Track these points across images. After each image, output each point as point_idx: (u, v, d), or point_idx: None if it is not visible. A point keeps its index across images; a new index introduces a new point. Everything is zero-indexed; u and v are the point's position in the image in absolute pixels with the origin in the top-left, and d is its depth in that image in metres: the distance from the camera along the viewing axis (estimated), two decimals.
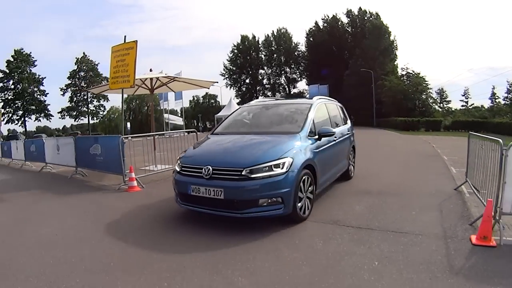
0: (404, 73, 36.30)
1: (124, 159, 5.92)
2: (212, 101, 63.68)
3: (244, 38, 53.35)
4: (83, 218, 4.20)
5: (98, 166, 6.69)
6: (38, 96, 41.63)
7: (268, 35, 52.89)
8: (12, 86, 40.28)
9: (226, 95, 62.75)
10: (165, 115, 28.91)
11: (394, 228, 3.25)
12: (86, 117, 46.00)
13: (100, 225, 3.79)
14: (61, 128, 61.90)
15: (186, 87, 9.00)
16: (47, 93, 42.61)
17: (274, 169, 3.36)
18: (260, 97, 42.69)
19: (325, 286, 2.21)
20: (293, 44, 51.73)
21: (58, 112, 44.92)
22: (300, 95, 47.56)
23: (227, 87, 54.05)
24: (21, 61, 40.18)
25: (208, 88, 9.71)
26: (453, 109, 40.05)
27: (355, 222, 3.49)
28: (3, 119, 35.22)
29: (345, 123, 5.80)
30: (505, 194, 2.77)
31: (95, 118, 47.03)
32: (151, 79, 7.90)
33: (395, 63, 38.87)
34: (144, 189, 5.76)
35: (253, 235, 3.11)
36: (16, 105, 40.14)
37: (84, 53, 46.06)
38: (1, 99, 39.75)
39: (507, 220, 3.10)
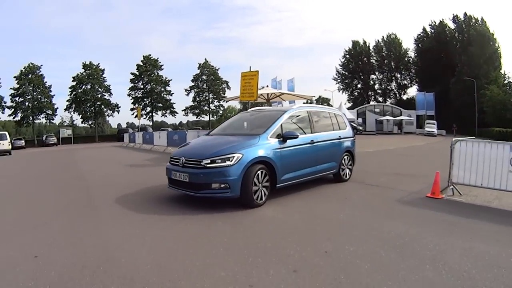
0: (505, 82, 35.22)
1: None
2: (325, 104, 66.78)
3: (355, 43, 55.77)
4: None
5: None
6: (165, 96, 50.30)
7: (378, 40, 54.47)
8: (142, 86, 49.45)
9: (338, 99, 65.33)
10: None
11: (392, 186, 6.06)
12: (207, 115, 53.67)
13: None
14: (177, 124, 71.83)
15: (294, 98, 11.71)
16: (173, 93, 51.51)
17: (226, 161, 4.50)
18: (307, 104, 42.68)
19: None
20: (403, 50, 52.40)
21: (183, 110, 53.55)
22: (409, 101, 48.04)
23: (339, 91, 56.90)
24: (149, 65, 49.17)
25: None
26: None
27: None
28: (140, 115, 44.58)
29: (339, 129, 6.43)
30: (453, 171, 5.22)
31: (215, 116, 54.37)
32: (268, 94, 10.83)
33: (499, 72, 36.99)
34: None
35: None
36: (145, 103, 49.23)
37: (205, 59, 54.70)
38: (132, 97, 49.32)
39: (464, 189, 5.35)
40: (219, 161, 4.48)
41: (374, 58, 54.92)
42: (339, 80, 56.28)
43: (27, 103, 42.23)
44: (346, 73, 55.97)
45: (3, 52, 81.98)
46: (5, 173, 10.49)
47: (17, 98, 41.90)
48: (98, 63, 46.97)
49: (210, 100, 53.07)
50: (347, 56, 55.63)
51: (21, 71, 41.97)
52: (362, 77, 55.19)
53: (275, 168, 4.80)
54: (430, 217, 4.16)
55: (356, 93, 56.32)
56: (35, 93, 42.71)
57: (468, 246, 3.16)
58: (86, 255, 3.06)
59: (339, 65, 56.48)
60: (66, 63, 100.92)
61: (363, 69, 54.44)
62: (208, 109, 53.37)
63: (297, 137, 5.16)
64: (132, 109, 49.75)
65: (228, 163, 4.48)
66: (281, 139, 5.00)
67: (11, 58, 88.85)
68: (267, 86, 11.31)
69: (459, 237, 3.39)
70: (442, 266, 2.72)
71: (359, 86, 56.35)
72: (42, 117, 44.71)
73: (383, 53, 53.83)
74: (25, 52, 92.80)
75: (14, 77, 41.69)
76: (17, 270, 2.79)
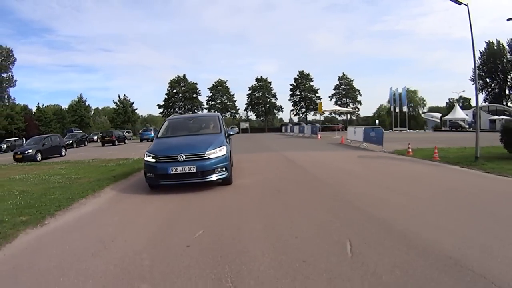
0: None
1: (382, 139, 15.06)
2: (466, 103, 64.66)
3: (490, 44, 56.45)
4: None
5: (372, 140, 15.75)
6: (314, 99, 64.28)
7: None
8: (298, 93, 61.72)
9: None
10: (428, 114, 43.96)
11: (321, 149, 16.42)
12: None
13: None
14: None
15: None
16: (321, 98, 64.56)
17: (221, 151, 6.43)
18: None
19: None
20: None
21: (325, 110, 63.98)
22: None
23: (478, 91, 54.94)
24: (303, 78, 63.73)
25: None
26: None
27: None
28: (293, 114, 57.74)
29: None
30: (348, 136, 18.08)
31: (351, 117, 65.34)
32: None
33: None
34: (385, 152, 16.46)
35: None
36: (301, 105, 62.34)
37: (343, 72, 65.49)
38: (292, 101, 63.40)
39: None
40: (217, 151, 6.30)
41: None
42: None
43: (217, 106, 62.63)
44: (483, 74, 56.12)
45: (180, 53, 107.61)
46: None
47: (210, 102, 63.57)
48: (267, 77, 65.19)
49: (346, 104, 63.36)
50: (484, 56, 55.97)
51: (213, 84, 63.77)
52: (501, 76, 54.90)
53: (231, 155, 7.18)
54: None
55: (493, 93, 56.31)
56: (223, 98, 63.79)
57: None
58: None
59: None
60: (235, 60, 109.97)
61: (501, 69, 54.25)
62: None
63: (233, 134, 8.60)
64: (291, 110, 65.75)
65: (223, 152, 6.39)
66: (227, 135, 7.47)
67: (188, 57, 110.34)
68: None
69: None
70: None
71: (495, 85, 56.15)
72: (228, 115, 63.18)
73: None
74: (199, 52, 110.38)
75: (208, 88, 63.84)
76: None
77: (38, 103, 61.27)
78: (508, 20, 20.99)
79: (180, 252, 3.40)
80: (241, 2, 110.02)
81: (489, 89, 56.68)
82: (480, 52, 55.70)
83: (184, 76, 62.70)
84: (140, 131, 39.25)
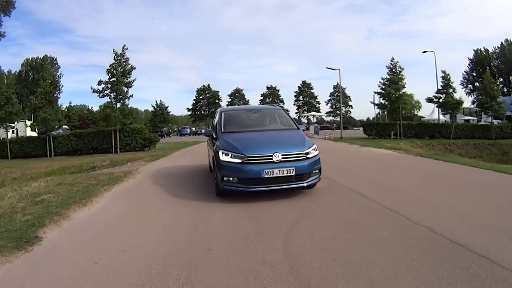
0: None
1: None
2: None
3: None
4: None
5: (316, 132, 31.75)
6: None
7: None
8: (301, 99, 75.96)
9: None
10: None
11: None
12: None
13: None
14: None
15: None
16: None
17: (315, 150, 5.33)
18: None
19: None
20: None
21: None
22: None
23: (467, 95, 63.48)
24: (305, 87, 76.84)
25: None
26: None
27: None
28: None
29: None
30: (310, 131, 31.31)
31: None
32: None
33: None
34: None
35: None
36: (304, 109, 75.65)
37: (337, 82, 74.92)
38: (296, 105, 75.78)
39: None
40: (312, 151, 5.23)
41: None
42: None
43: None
44: (471, 79, 63.50)
45: (200, 53, 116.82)
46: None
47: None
48: (275, 85, 77.21)
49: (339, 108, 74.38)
50: (472, 64, 63.04)
51: (232, 91, 76.43)
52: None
53: None
54: None
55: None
56: (239, 104, 74.35)
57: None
58: None
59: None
60: (255, 61, 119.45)
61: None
62: None
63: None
64: (296, 112, 77.67)
65: (316, 152, 5.28)
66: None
67: (207, 57, 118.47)
68: None
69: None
70: None
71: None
72: None
73: None
74: (218, 52, 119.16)
75: (228, 95, 74.74)
76: None
77: (70, 102, 71.72)
78: (423, 52, 32.24)
79: None
80: (259, 2, 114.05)
81: (477, 94, 61.01)
82: (469, 59, 63.88)
83: (208, 85, 76.42)
84: (179, 128, 55.82)
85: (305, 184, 5.05)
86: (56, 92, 25.09)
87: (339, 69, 32.46)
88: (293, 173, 4.91)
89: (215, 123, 6.68)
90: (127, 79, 20.84)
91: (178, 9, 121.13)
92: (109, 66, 20.44)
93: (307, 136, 6.06)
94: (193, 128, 58.75)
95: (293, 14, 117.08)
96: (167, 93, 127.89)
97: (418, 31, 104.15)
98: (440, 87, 28.59)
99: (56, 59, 63.77)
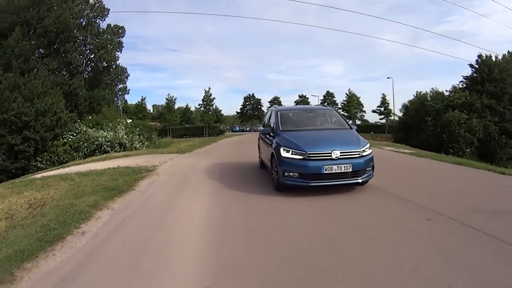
0: None
1: None
2: None
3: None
4: None
5: None
6: None
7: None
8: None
9: None
10: None
11: None
12: None
13: None
14: None
15: None
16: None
17: (370, 149, 5.63)
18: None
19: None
20: None
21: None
22: None
23: None
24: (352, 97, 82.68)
25: None
26: None
27: None
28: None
29: None
30: None
31: None
32: None
33: None
34: None
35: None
36: None
37: (349, 88, 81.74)
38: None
39: None
40: (367, 149, 5.58)
41: None
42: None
43: None
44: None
45: (245, 53, 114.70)
46: None
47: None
48: (305, 94, 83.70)
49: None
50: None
51: (271, 99, 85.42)
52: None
53: None
54: None
55: None
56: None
57: None
58: None
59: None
60: (302, 62, 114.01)
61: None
62: None
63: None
64: None
65: (370, 151, 5.62)
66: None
67: (252, 58, 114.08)
68: None
69: None
70: None
71: None
72: None
73: None
74: (264, 52, 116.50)
75: (268, 101, 75.89)
76: None
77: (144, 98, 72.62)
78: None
79: None
80: (305, 2, 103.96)
81: None
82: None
83: (252, 94, 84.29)
84: (230, 127, 77.93)
85: (359, 180, 5.39)
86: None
87: (391, 78, 43.49)
88: (350, 170, 5.25)
89: (269, 122, 7.21)
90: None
91: (223, 10, 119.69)
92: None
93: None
94: (241, 127, 78.44)
95: (339, 15, 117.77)
96: (214, 93, 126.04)
97: (465, 32, 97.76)
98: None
99: (126, 68, 73.69)
